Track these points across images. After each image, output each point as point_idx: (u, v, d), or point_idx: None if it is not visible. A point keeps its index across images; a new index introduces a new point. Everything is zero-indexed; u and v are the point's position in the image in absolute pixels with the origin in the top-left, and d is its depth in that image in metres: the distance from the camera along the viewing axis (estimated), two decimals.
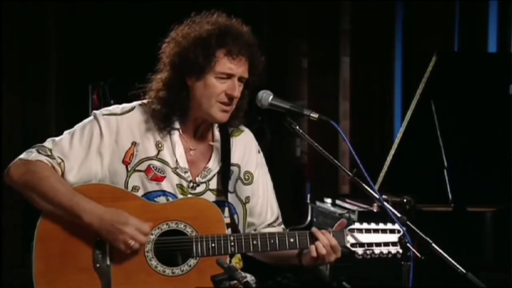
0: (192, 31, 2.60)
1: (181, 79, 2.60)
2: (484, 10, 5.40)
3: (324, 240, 2.54)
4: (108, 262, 2.50)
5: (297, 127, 2.60)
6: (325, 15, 7.21)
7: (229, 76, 2.57)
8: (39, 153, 2.57)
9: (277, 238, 2.56)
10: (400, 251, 2.52)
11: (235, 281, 2.17)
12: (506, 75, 3.95)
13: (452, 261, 2.33)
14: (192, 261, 2.51)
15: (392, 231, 2.57)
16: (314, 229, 2.58)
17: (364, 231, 2.58)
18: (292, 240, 2.56)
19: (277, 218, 2.84)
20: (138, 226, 2.47)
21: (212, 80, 2.57)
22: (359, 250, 2.56)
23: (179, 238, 2.52)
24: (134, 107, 2.68)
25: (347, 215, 3.84)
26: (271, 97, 2.61)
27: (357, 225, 2.60)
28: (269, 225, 2.81)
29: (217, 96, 2.57)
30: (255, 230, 2.78)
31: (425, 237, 2.38)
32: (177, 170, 2.63)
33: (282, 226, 2.85)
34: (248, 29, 2.65)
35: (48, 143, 2.61)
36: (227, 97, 2.58)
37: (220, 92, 2.57)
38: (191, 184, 2.64)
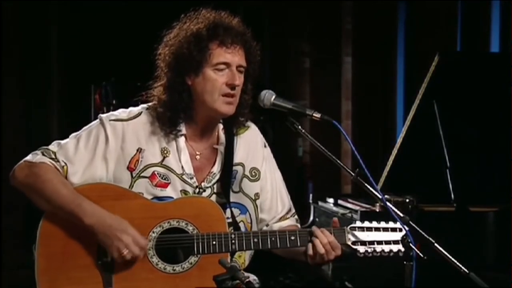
0: (183, 31, 2.61)
1: (181, 80, 2.60)
2: (486, 10, 5.40)
3: (323, 239, 2.54)
4: (109, 260, 2.50)
5: (300, 127, 2.60)
6: (327, 15, 7.22)
7: (227, 65, 2.57)
8: (44, 155, 2.58)
9: (277, 236, 2.56)
10: (402, 249, 2.52)
11: (237, 281, 2.17)
12: (508, 75, 3.94)
13: (455, 261, 2.33)
14: (193, 259, 2.51)
15: (393, 230, 2.57)
16: (314, 227, 2.58)
17: (365, 229, 2.58)
18: (293, 238, 2.56)
19: (290, 210, 2.84)
20: (136, 237, 2.47)
21: (210, 74, 2.57)
22: (361, 248, 2.56)
23: (180, 236, 2.52)
24: (141, 112, 2.67)
25: (349, 215, 3.84)
26: (273, 97, 2.61)
27: (358, 223, 2.60)
28: (282, 218, 2.80)
29: (219, 89, 2.57)
30: (267, 225, 2.78)
31: (427, 237, 2.38)
32: (183, 177, 2.63)
33: (296, 217, 2.85)
34: (239, 19, 2.66)
35: (53, 146, 2.62)
36: (229, 87, 2.57)
37: (220, 84, 2.57)
38: (197, 189, 2.64)
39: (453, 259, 2.33)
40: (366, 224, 2.59)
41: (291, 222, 2.82)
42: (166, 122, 2.62)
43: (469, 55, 4.91)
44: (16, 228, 6.72)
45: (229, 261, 2.54)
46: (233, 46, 2.58)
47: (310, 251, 2.54)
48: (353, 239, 2.57)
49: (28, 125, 7.11)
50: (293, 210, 2.86)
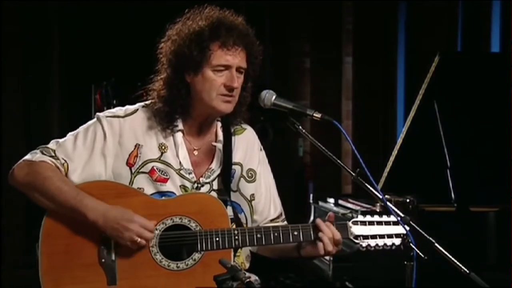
0: (186, 28, 2.60)
1: (180, 77, 2.60)
2: (486, 10, 5.40)
3: (329, 234, 2.54)
4: (113, 258, 2.51)
5: (300, 127, 2.60)
6: (327, 15, 7.23)
7: (226, 67, 2.57)
8: (43, 154, 2.58)
9: (280, 231, 2.56)
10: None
11: (238, 281, 2.17)
12: (508, 75, 3.94)
13: (455, 261, 2.33)
14: (196, 255, 2.51)
15: (395, 223, 2.57)
16: (318, 220, 2.58)
17: (367, 223, 2.59)
18: (295, 233, 2.57)
19: (281, 214, 2.85)
20: (143, 223, 2.47)
21: (209, 74, 2.57)
22: (363, 242, 2.58)
23: (183, 232, 2.52)
24: (137, 109, 2.68)
25: (349, 215, 3.84)
26: (274, 96, 2.61)
27: (360, 218, 2.61)
28: (272, 220, 2.82)
29: (217, 89, 2.57)
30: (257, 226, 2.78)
31: (428, 237, 2.38)
32: (181, 172, 2.63)
33: (285, 222, 2.85)
34: (242, 19, 2.65)
35: (52, 144, 2.62)
36: (227, 89, 2.57)
37: (219, 85, 2.57)
38: (196, 185, 2.65)
39: (453, 259, 2.33)
40: (368, 218, 2.60)
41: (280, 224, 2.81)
42: (164, 117, 2.63)
43: (469, 55, 4.90)
44: (16, 228, 6.73)
45: (231, 259, 2.54)
46: (234, 47, 2.57)
47: (322, 251, 2.55)
48: (355, 233, 2.59)
49: (28, 125, 7.11)
50: (283, 216, 2.87)
